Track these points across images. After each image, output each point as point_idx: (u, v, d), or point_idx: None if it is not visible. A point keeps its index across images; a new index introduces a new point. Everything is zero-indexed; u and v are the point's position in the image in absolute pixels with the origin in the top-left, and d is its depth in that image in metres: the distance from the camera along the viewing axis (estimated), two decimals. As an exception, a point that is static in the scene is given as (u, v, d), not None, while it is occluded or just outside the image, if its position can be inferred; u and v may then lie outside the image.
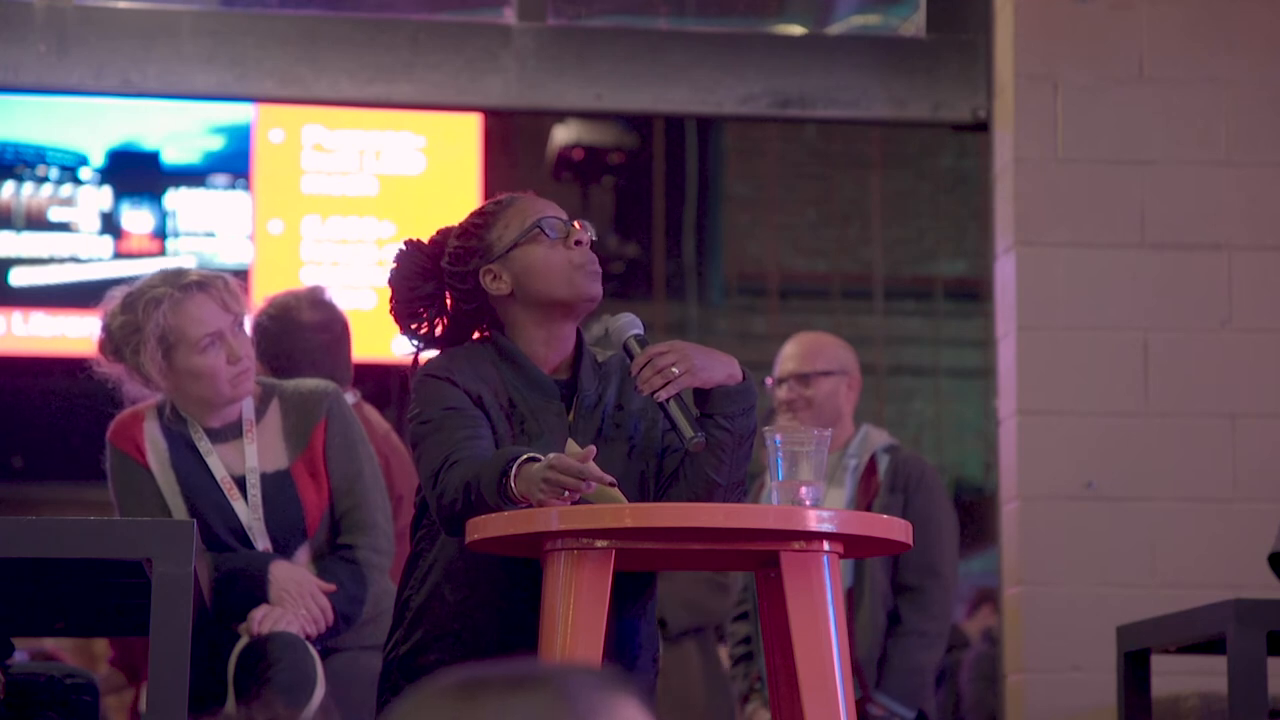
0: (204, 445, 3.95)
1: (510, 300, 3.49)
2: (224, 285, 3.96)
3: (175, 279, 3.94)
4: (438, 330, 3.57)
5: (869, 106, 6.37)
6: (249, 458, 3.95)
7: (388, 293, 3.57)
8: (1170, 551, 5.76)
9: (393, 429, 4.83)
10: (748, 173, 11.22)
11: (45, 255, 9.14)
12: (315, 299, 4.74)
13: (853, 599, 5.11)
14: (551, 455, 3.18)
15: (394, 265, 3.57)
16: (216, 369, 3.89)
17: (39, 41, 6.06)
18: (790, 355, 5.28)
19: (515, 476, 3.18)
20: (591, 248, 3.51)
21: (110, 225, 9.19)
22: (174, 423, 3.97)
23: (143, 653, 4.68)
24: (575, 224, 3.50)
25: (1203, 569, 5.56)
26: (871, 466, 5.20)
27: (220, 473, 3.93)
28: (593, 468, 3.14)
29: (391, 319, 3.58)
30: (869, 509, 5.06)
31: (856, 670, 5.04)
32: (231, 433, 3.97)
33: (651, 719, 1.57)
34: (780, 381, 5.26)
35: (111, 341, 3.96)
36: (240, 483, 3.93)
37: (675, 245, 11.10)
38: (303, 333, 4.65)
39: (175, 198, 9.27)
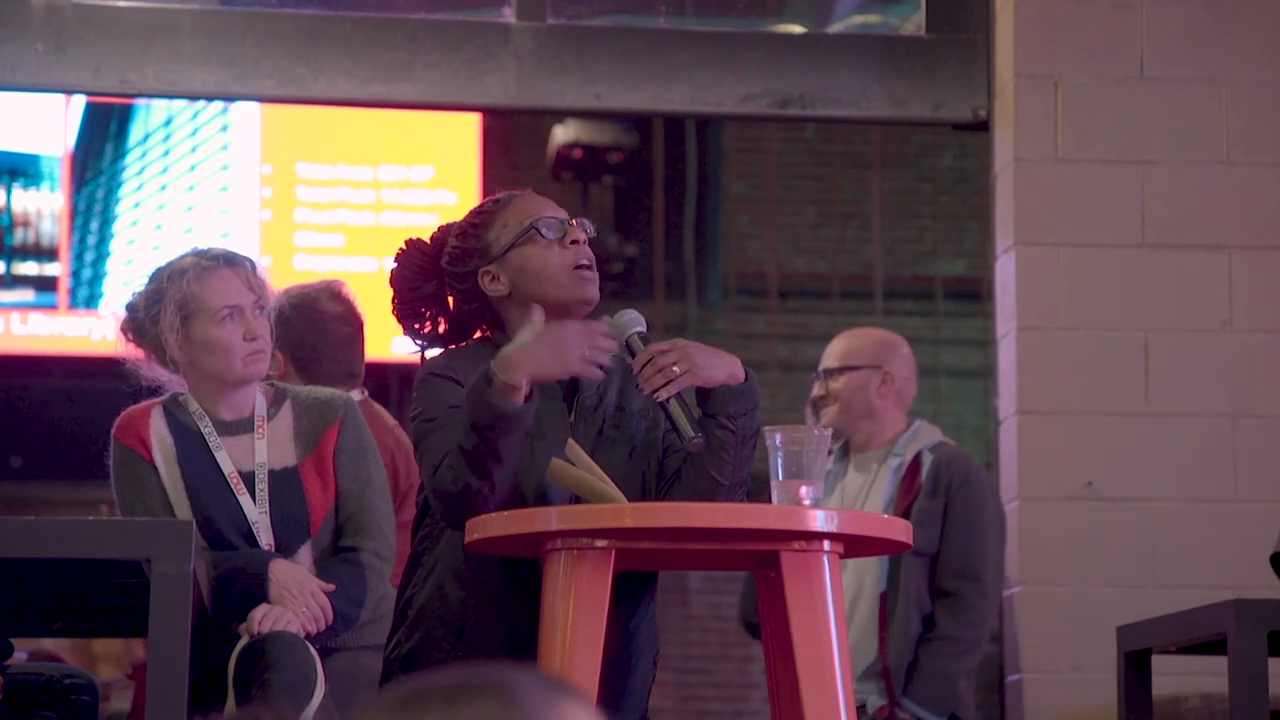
0: (213, 440, 3.94)
1: (509, 301, 3.48)
2: (251, 267, 4.00)
3: (204, 253, 3.97)
4: (441, 329, 3.56)
5: (869, 106, 6.35)
6: (259, 453, 3.94)
7: (390, 292, 3.58)
8: (1170, 551, 5.74)
9: (398, 425, 4.81)
10: (747, 172, 11.21)
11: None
12: (334, 292, 4.73)
13: (886, 603, 5.03)
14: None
15: (395, 265, 3.57)
16: (232, 343, 3.91)
17: (36, 40, 6.04)
18: (827, 351, 5.32)
19: (496, 376, 3.21)
20: (591, 246, 3.50)
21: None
22: (182, 418, 3.96)
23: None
24: (573, 222, 3.49)
25: (1203, 569, 5.55)
26: (916, 465, 5.13)
27: (228, 468, 3.93)
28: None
29: (395, 319, 3.58)
30: (909, 510, 4.99)
31: (885, 676, 4.98)
32: (242, 427, 3.97)
33: None
34: (815, 378, 5.30)
35: (134, 317, 3.96)
36: (247, 479, 3.93)
37: (675, 245, 11.08)
38: (326, 323, 4.64)
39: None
